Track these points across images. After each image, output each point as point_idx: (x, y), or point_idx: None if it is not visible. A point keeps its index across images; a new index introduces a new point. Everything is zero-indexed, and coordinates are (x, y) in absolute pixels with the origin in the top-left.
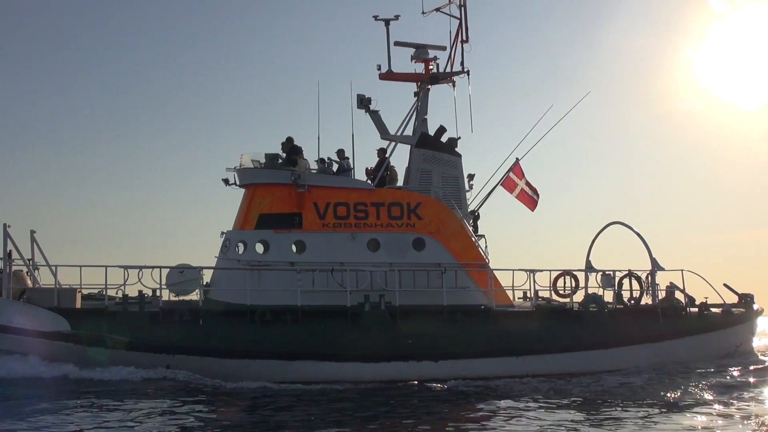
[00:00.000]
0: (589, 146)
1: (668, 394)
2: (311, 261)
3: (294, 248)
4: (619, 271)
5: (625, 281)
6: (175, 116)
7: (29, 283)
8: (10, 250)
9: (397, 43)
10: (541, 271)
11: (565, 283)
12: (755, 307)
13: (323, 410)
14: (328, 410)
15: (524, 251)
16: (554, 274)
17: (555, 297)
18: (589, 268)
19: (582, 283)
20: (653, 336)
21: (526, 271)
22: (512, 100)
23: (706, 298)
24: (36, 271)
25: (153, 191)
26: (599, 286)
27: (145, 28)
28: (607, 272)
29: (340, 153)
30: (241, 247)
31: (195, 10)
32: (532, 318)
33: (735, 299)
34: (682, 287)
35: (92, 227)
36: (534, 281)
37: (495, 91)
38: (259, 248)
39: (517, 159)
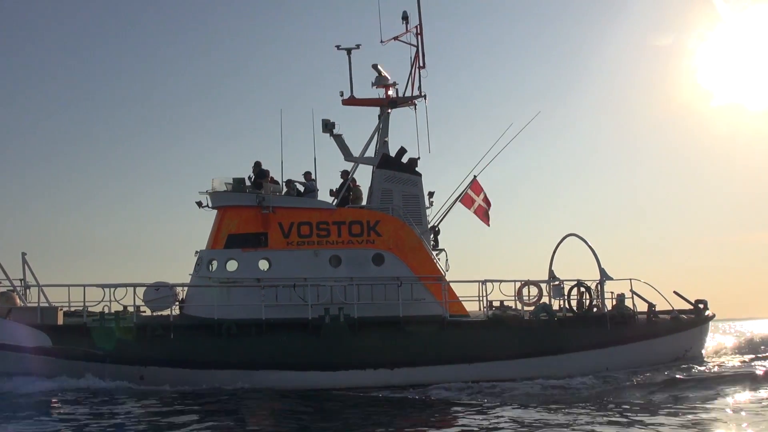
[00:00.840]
0: (570, 155)
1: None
2: (277, 277)
3: (260, 265)
4: (569, 281)
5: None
6: (152, 145)
7: (18, 302)
8: None
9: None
10: (493, 281)
11: (529, 292)
12: (708, 313)
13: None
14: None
15: (490, 262)
16: (517, 285)
17: (519, 306)
18: (552, 277)
19: (545, 292)
20: (601, 342)
21: (478, 282)
22: (473, 119)
23: (654, 305)
24: (28, 290)
25: (139, 214)
26: (549, 296)
27: (124, 61)
28: (557, 282)
29: (307, 175)
30: (212, 265)
31: (173, 43)
32: (484, 327)
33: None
34: (631, 296)
35: (83, 247)
36: (486, 292)
37: (457, 111)
38: (229, 266)
39: (474, 176)
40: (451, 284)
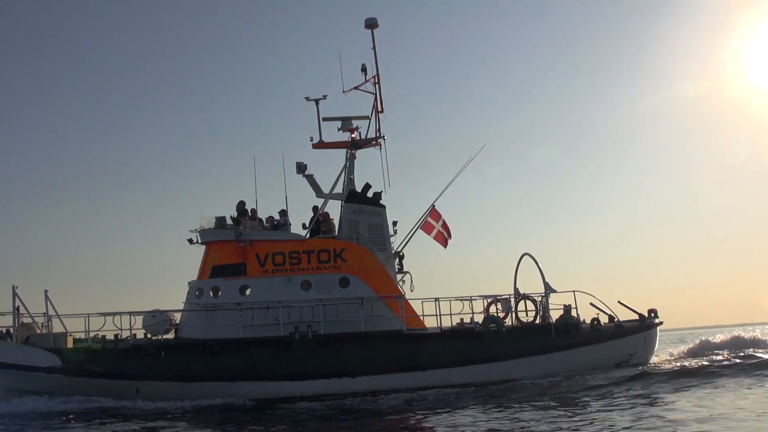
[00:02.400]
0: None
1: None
2: (255, 301)
3: (240, 291)
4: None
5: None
6: (152, 196)
7: (37, 330)
8: (18, 306)
9: (324, 119)
10: (447, 299)
11: (497, 307)
12: (656, 320)
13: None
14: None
15: (462, 281)
16: (486, 301)
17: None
18: (516, 293)
19: (512, 307)
20: (545, 348)
21: (433, 299)
22: (434, 153)
23: (597, 314)
24: (50, 321)
25: (145, 251)
26: (498, 309)
27: (130, 107)
28: (504, 296)
29: (282, 212)
30: (199, 293)
31: (172, 91)
32: (438, 338)
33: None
34: (575, 306)
35: (102, 279)
36: (439, 309)
37: (419, 147)
38: (213, 293)
39: (433, 205)
40: (410, 301)
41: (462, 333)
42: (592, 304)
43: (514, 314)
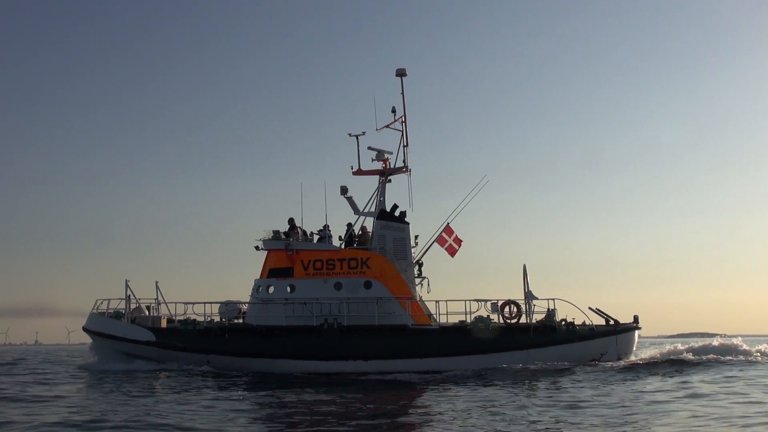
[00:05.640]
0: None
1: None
2: (297, 297)
3: (288, 289)
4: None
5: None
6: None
7: (146, 312)
8: (129, 294)
9: (369, 148)
10: (453, 301)
11: (509, 309)
12: (634, 325)
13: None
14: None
15: (479, 285)
16: (494, 303)
17: (501, 319)
18: (527, 296)
19: (523, 309)
20: (524, 345)
21: (435, 301)
22: (452, 178)
23: (573, 318)
24: (159, 305)
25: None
26: (489, 311)
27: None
28: (492, 300)
29: (325, 227)
30: (259, 289)
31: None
32: (436, 333)
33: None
34: (554, 310)
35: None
36: (438, 309)
37: (440, 172)
38: (269, 290)
39: (447, 223)
40: (428, 302)
41: (457, 329)
42: (590, 308)
43: (500, 315)
